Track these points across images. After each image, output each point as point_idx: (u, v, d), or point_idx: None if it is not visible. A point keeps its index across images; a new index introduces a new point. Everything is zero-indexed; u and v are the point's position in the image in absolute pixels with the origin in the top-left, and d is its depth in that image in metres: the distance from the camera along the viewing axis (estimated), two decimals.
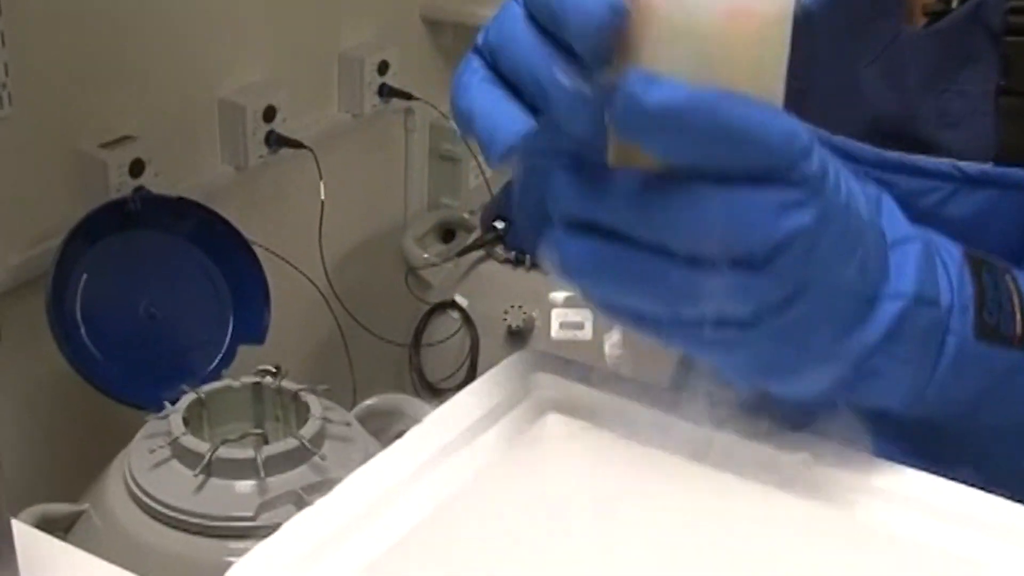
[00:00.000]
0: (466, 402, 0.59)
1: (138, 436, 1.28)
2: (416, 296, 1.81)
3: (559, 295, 1.69)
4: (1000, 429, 0.60)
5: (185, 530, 1.18)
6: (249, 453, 1.19)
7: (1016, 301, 0.57)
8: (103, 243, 1.40)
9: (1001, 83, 0.65)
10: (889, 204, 0.56)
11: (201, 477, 1.19)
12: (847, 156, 0.66)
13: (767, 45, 0.47)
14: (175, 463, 1.22)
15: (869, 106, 0.70)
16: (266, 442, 1.23)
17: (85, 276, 1.40)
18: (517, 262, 1.73)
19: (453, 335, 1.72)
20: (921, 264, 0.54)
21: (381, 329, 1.74)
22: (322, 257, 1.73)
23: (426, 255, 1.85)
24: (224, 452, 1.20)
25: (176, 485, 1.20)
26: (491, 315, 1.71)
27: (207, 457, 1.19)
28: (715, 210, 0.47)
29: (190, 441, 1.22)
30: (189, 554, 1.17)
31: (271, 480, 1.19)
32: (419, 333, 1.78)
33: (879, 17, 0.71)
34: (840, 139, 0.68)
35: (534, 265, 1.70)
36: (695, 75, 0.45)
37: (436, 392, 1.75)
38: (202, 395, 1.30)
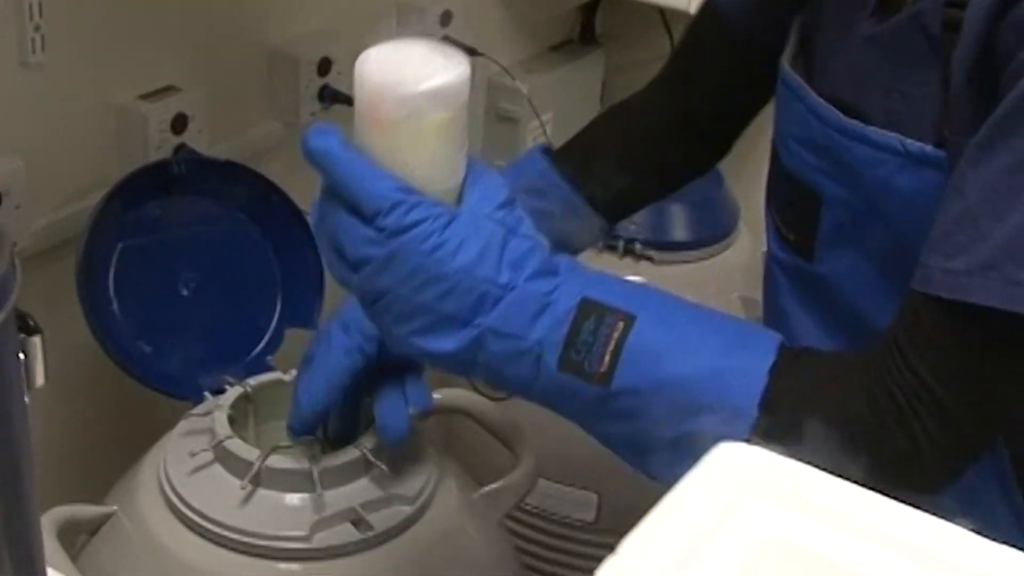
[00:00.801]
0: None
1: (175, 432, 1.16)
2: None
3: (632, 277, 1.54)
4: (613, 445, 0.81)
5: (228, 547, 1.07)
6: (304, 464, 1.08)
7: (610, 348, 0.76)
8: (142, 208, 1.30)
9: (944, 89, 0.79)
10: (546, 266, 0.79)
11: (248, 488, 1.07)
12: (816, 115, 0.87)
13: (432, 136, 0.78)
14: (218, 469, 1.10)
15: (852, 76, 0.87)
16: (323, 449, 1.14)
17: (120, 245, 1.29)
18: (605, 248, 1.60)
19: None
20: (519, 311, 0.77)
21: None
22: None
23: None
24: (276, 461, 1.08)
25: (219, 495, 1.09)
26: None
27: (256, 466, 1.07)
28: (335, 226, 0.78)
29: (237, 446, 1.09)
30: (230, 573, 1.06)
31: (328, 495, 1.07)
32: None
33: (858, 6, 0.86)
34: (813, 99, 0.88)
35: (608, 246, 1.59)
36: (386, 149, 0.78)
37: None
38: (249, 389, 1.17)
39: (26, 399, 0.63)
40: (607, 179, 1.10)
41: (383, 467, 1.10)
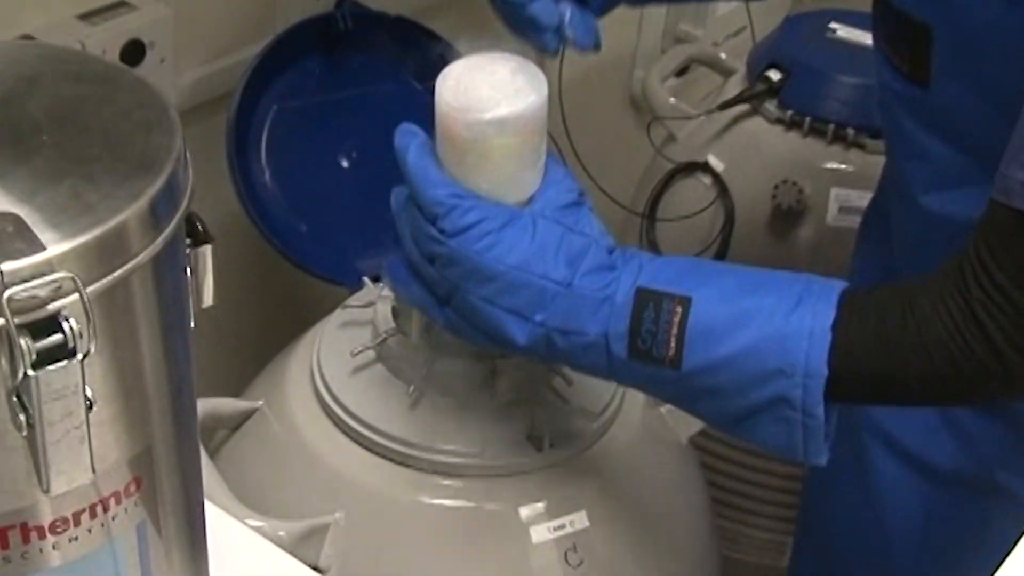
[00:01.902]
0: None
1: (330, 322, 1.09)
2: (657, 152, 1.59)
3: (840, 166, 1.47)
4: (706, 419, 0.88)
5: (388, 458, 1.00)
6: (478, 368, 1.00)
7: (674, 332, 0.81)
8: (301, 67, 1.26)
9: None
10: (604, 262, 0.85)
11: (414, 394, 1.00)
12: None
13: (499, 159, 0.85)
14: (380, 370, 1.03)
15: None
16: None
17: (276, 107, 1.24)
18: (792, 124, 1.49)
19: (703, 208, 1.51)
20: (579, 307, 0.84)
21: (611, 189, 1.51)
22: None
23: (673, 100, 1.60)
24: (446, 364, 1.00)
25: (380, 400, 1.02)
26: (754, 186, 1.49)
27: (424, 369, 1.00)
28: (412, 219, 0.88)
29: (402, 345, 1.02)
30: (391, 490, 1.00)
31: (504, 405, 1.00)
32: (657, 199, 1.57)
33: None
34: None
35: (814, 129, 1.48)
36: (457, 162, 0.86)
37: None
38: None
39: (192, 323, 0.60)
40: None
41: (565, 377, 1.03)
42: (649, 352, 0.83)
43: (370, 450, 1.01)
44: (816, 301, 0.81)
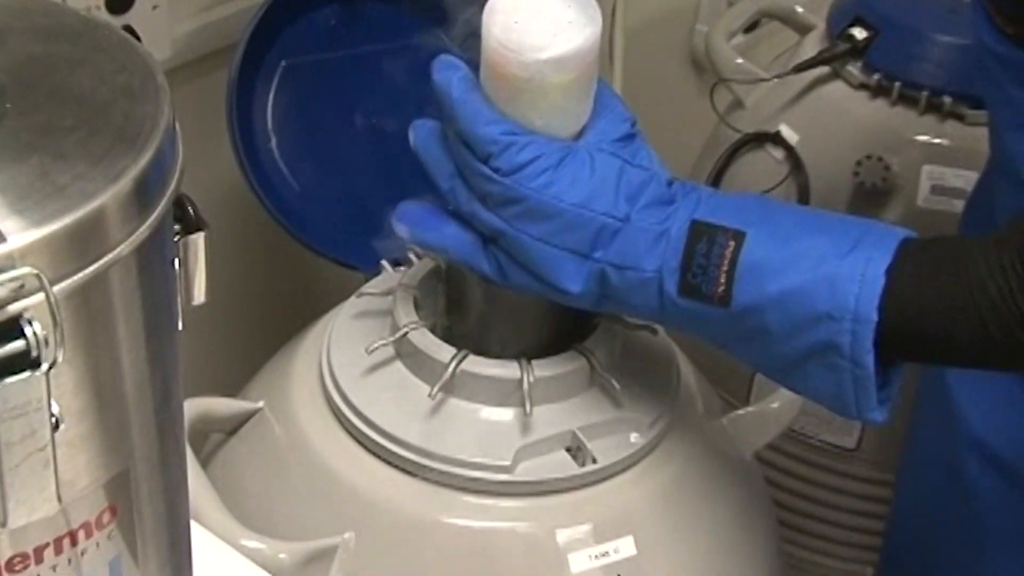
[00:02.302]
0: None
1: (343, 313, 1.09)
2: (721, 120, 1.58)
3: (933, 139, 1.46)
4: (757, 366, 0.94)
5: (407, 471, 1.00)
6: (511, 370, 0.99)
7: (724, 268, 0.87)
8: (314, 17, 1.26)
9: None
10: (660, 196, 0.91)
11: (438, 397, 0.99)
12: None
13: (554, 95, 0.90)
14: (399, 369, 1.03)
15: None
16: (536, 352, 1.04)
17: (284, 62, 1.25)
18: (879, 90, 1.48)
19: (773, 186, 1.49)
20: (636, 242, 0.89)
21: (667, 163, 1.49)
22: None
23: (740, 60, 1.59)
24: (475, 364, 1.00)
25: (399, 403, 1.01)
26: (833, 161, 1.49)
27: (450, 369, 0.99)
28: (458, 157, 0.93)
29: (426, 341, 1.01)
30: (409, 507, 1.00)
31: (540, 412, 1.00)
32: (719, 175, 1.56)
33: None
34: None
35: (904, 97, 1.46)
36: (507, 99, 0.91)
37: None
38: (442, 263, 1.07)
39: (179, 324, 0.59)
40: None
41: (612, 381, 1.02)
42: (699, 288, 0.88)
43: (385, 461, 1.01)
44: (874, 246, 0.86)
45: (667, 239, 0.90)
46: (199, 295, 0.59)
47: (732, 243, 0.88)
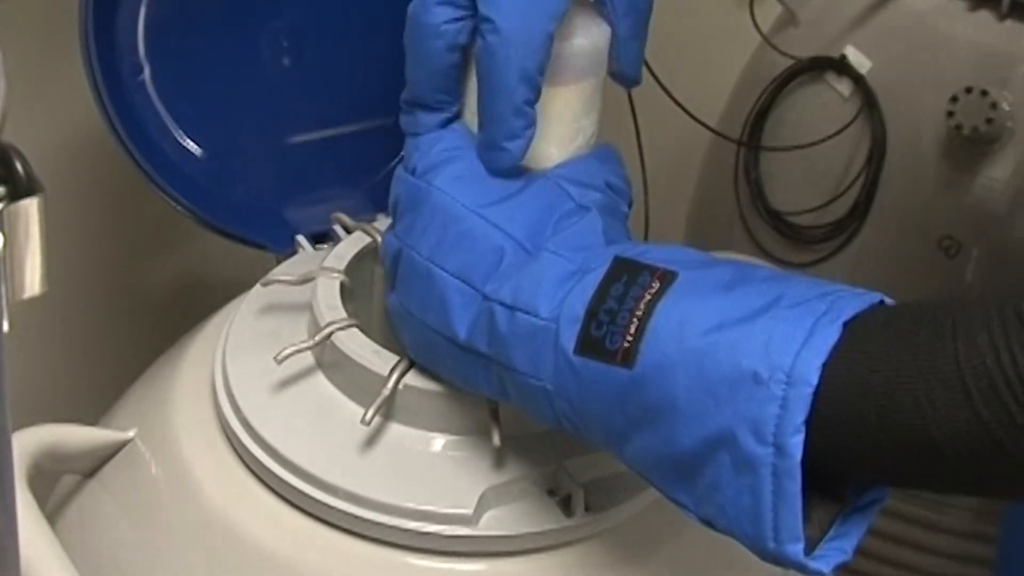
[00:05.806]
0: None
1: (243, 308, 1.08)
2: (766, 41, 1.60)
3: None
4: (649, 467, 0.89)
5: (335, 526, 0.98)
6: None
7: (639, 313, 0.87)
8: None
9: None
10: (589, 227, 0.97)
11: (375, 422, 0.98)
12: None
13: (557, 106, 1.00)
14: (321, 383, 1.02)
15: None
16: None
17: None
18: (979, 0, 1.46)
19: (836, 131, 1.52)
20: (540, 278, 0.92)
21: (694, 101, 1.52)
22: None
23: None
24: (423, 379, 0.99)
25: (320, 432, 1.00)
26: (919, 98, 1.49)
27: (390, 384, 0.97)
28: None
29: (357, 346, 0.99)
30: (338, 572, 0.99)
31: (512, 443, 1.00)
32: (763, 116, 1.59)
33: None
34: None
35: (1018, 7, 1.46)
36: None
37: (784, 231, 1.58)
38: (376, 234, 1.08)
39: (4, 326, 0.56)
40: None
41: None
42: (601, 342, 0.87)
43: (302, 510, 0.99)
44: (839, 297, 0.83)
45: (578, 279, 0.90)
46: (32, 284, 0.56)
47: (656, 284, 0.88)
